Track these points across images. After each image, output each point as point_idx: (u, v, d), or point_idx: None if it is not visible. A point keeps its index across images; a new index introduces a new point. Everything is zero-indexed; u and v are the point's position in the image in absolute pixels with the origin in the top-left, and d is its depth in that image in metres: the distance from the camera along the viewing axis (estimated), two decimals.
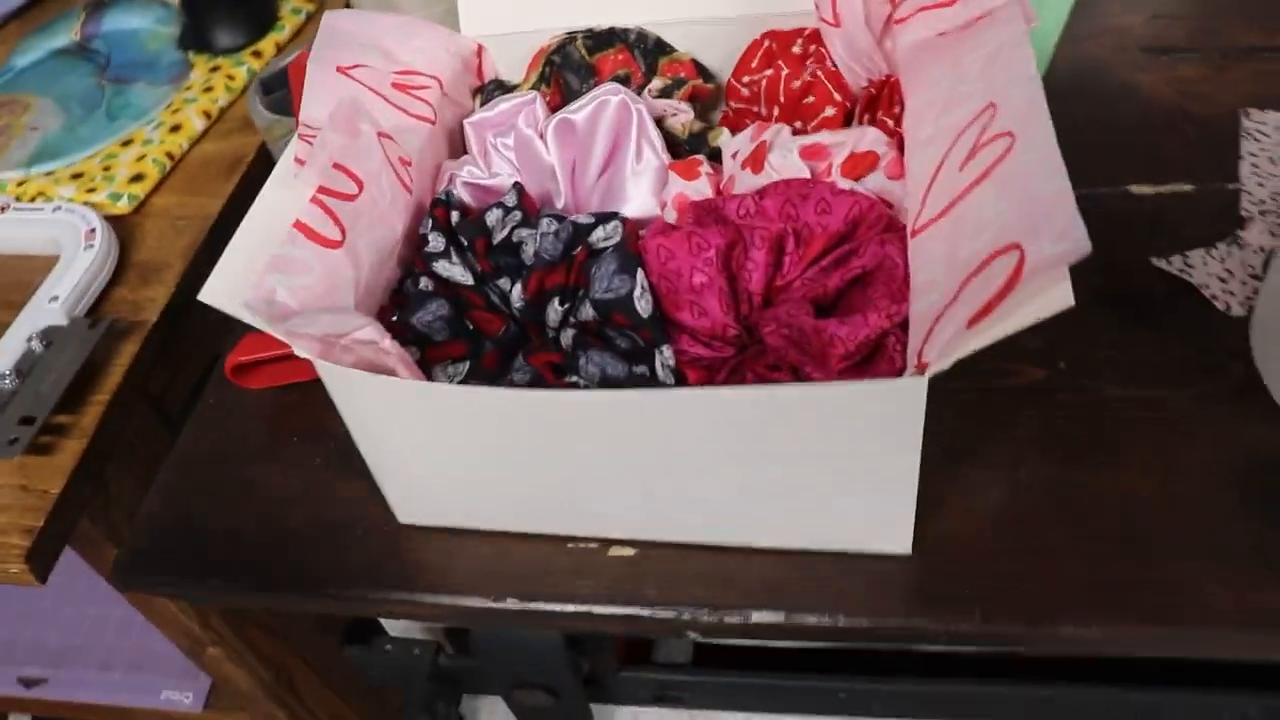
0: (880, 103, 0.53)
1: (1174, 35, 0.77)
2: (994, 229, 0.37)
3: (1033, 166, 0.37)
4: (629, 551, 0.52)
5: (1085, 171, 0.65)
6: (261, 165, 0.80)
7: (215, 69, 0.88)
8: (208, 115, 0.84)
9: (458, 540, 0.53)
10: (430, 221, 0.51)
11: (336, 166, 0.46)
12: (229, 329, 0.77)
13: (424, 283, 0.50)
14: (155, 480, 0.59)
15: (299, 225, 0.44)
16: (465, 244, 0.50)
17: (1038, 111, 0.39)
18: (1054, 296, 0.35)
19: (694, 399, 0.41)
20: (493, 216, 0.50)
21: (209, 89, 0.86)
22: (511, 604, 0.51)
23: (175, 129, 0.83)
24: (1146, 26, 0.77)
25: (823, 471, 0.45)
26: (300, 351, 0.43)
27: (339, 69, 0.55)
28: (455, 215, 0.51)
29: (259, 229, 0.48)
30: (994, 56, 0.44)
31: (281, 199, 0.49)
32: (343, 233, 0.46)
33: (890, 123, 0.51)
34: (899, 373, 0.42)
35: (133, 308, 0.71)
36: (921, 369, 0.38)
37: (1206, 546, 0.48)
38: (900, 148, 0.50)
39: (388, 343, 0.43)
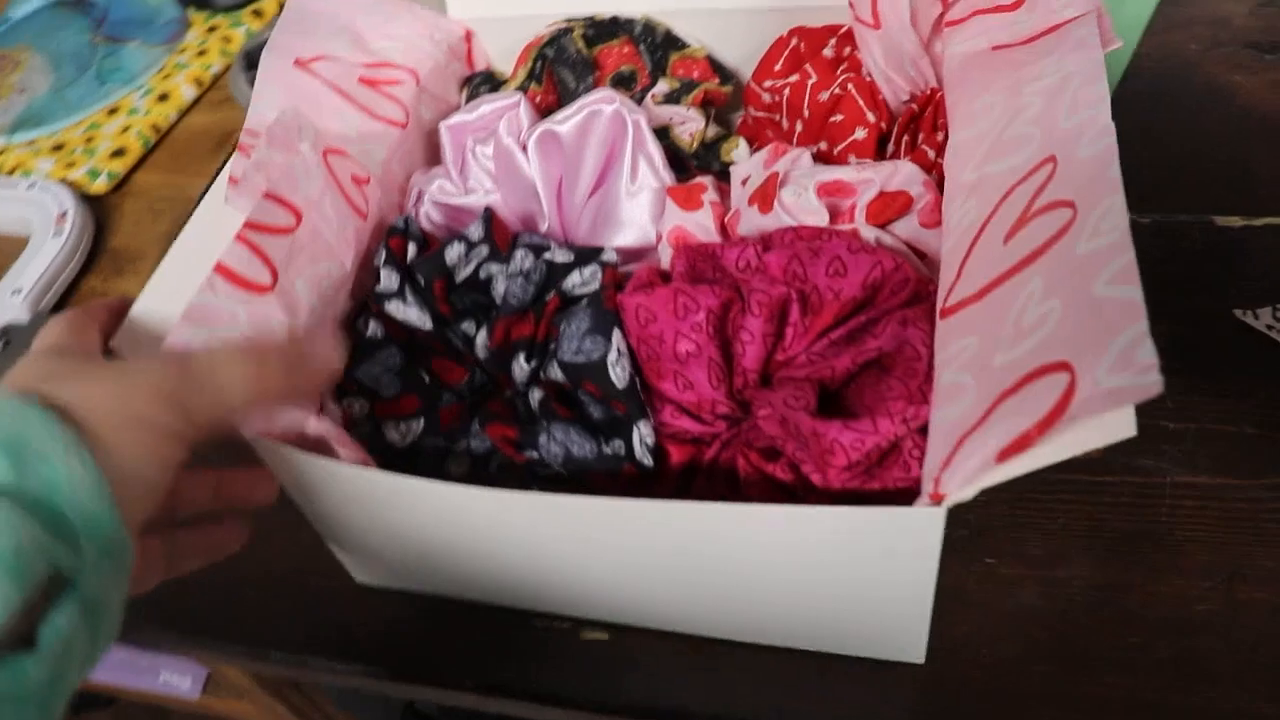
0: (923, 124, 0.45)
1: None
2: (1039, 335, 0.30)
3: (1096, 258, 0.29)
4: (603, 635, 0.45)
5: (1161, 194, 0.56)
6: None
7: (212, 29, 0.82)
8: (199, 83, 0.77)
9: (417, 607, 0.48)
10: (384, 253, 0.44)
11: (269, 196, 0.40)
12: None
13: (373, 328, 0.43)
14: None
15: (220, 269, 0.38)
16: (421, 281, 0.44)
17: (1108, 180, 0.31)
18: (1111, 426, 0.28)
19: (664, 511, 0.34)
20: (453, 253, 0.43)
21: (202, 52, 0.79)
22: (468, 687, 0.45)
23: (163, 98, 0.76)
24: (1251, 17, 0.66)
25: (824, 586, 0.38)
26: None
27: (297, 61, 0.48)
28: (413, 247, 0.44)
29: (184, 257, 0.42)
30: (1058, 91, 0.36)
31: (220, 221, 0.43)
32: (273, 274, 0.39)
33: (931, 154, 0.42)
34: (914, 483, 0.35)
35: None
36: (938, 499, 0.31)
37: (1275, 677, 0.40)
38: (939, 187, 0.42)
39: (313, 423, 0.36)
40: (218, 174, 0.70)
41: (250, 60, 0.68)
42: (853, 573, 0.37)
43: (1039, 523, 0.45)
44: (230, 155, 0.71)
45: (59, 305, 0.65)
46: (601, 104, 0.46)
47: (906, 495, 0.35)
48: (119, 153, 0.73)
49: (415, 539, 0.43)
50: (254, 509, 0.42)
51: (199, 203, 0.44)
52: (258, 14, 0.82)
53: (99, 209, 0.71)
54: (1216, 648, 0.41)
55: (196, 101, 0.78)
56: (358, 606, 0.48)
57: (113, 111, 0.77)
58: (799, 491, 0.37)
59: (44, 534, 0.27)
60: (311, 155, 0.41)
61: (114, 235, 0.70)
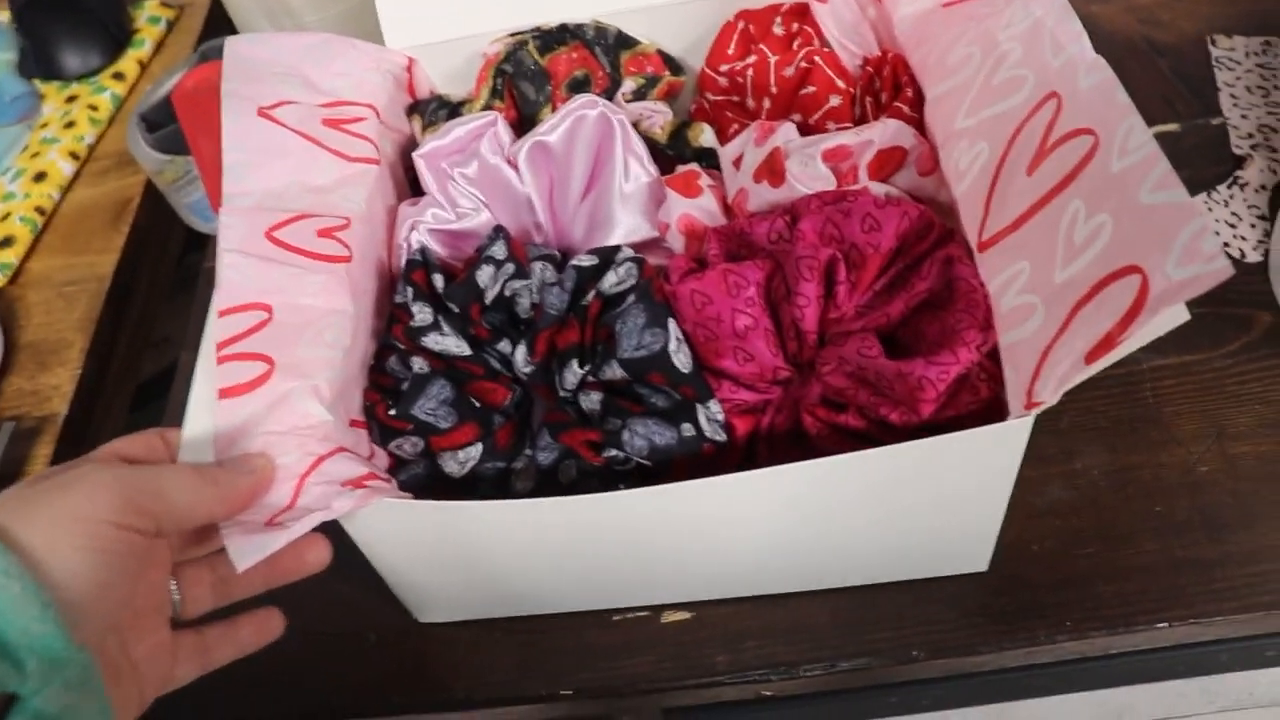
0: (884, 84, 0.48)
1: None
2: (1098, 247, 0.33)
3: (1133, 173, 0.33)
4: (684, 615, 0.47)
5: None
6: (150, 209, 0.70)
7: (72, 99, 0.77)
8: (75, 156, 0.73)
9: (489, 633, 0.48)
10: (410, 289, 0.44)
11: (225, 314, 0.40)
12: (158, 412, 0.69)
13: (418, 364, 0.43)
14: None
15: (225, 392, 0.38)
16: (455, 309, 0.44)
17: (1120, 104, 0.35)
18: (1171, 313, 0.31)
19: (783, 475, 0.36)
20: (485, 275, 0.44)
21: (70, 124, 0.74)
22: (566, 693, 0.46)
23: (40, 177, 0.71)
24: None
25: (908, 514, 0.41)
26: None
27: (260, 110, 0.47)
28: (439, 278, 0.44)
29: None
30: (1035, 34, 0.40)
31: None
32: (268, 361, 0.39)
33: (905, 109, 0.46)
34: (983, 403, 0.38)
35: (35, 400, 0.61)
36: (1032, 407, 0.34)
37: (1274, 509, 0.46)
38: (923, 136, 0.45)
39: (377, 498, 0.37)
40: (128, 247, 0.67)
41: (149, 122, 0.64)
42: (938, 496, 0.40)
43: (1047, 425, 0.50)
44: (134, 225, 0.69)
45: None
46: (585, 109, 0.47)
47: (978, 417, 0.38)
48: (7, 242, 0.68)
49: (496, 564, 0.43)
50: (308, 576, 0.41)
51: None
52: (118, 77, 0.78)
53: (1, 305, 0.66)
54: (1225, 499, 0.46)
55: (77, 175, 0.73)
56: (431, 644, 0.48)
57: None
58: (874, 434, 0.40)
59: None
60: (263, 248, 0.42)
61: (25, 330, 0.65)
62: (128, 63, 0.78)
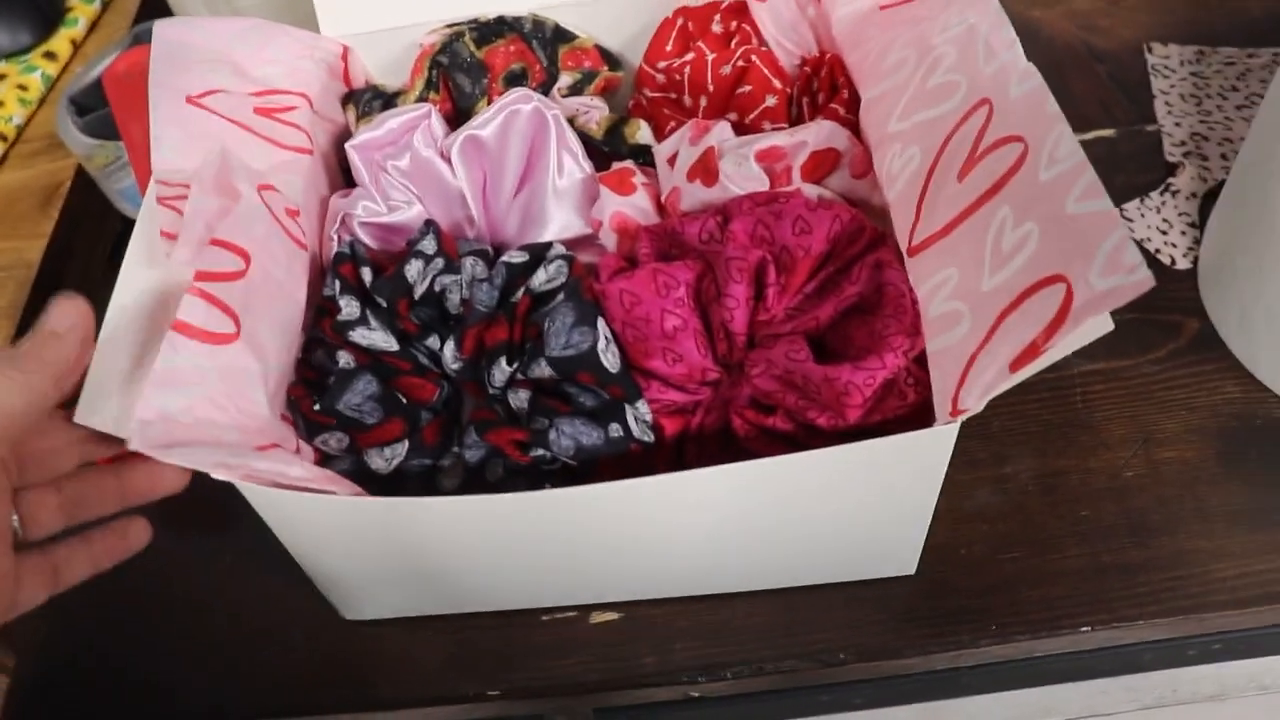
0: (821, 85, 0.48)
1: None
2: (1024, 255, 0.33)
3: (1060, 182, 0.33)
4: (613, 616, 0.47)
5: None
6: (82, 193, 0.68)
7: (1, 78, 0.74)
8: (3, 138, 0.71)
9: (417, 631, 0.47)
10: (338, 282, 0.43)
11: (216, 242, 0.38)
12: None
13: (344, 358, 0.42)
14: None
15: (179, 326, 0.36)
16: (383, 304, 0.43)
17: (1049, 113, 0.35)
18: (1091, 325, 0.32)
19: (708, 478, 0.36)
20: (413, 269, 0.43)
21: None
22: (494, 693, 0.45)
23: None
24: None
25: (836, 518, 0.41)
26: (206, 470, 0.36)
27: (189, 99, 0.45)
28: (367, 272, 0.43)
29: (129, 323, 0.39)
30: (968, 40, 0.40)
31: (149, 281, 0.40)
32: (235, 322, 0.38)
33: (841, 110, 0.46)
34: (911, 408, 0.38)
35: None
36: (958, 414, 0.34)
37: (1196, 514, 0.47)
38: (858, 138, 0.45)
39: (296, 471, 0.36)
40: (58, 232, 0.65)
41: (79, 106, 0.62)
42: (865, 500, 0.40)
43: (977, 430, 0.50)
44: (64, 209, 0.67)
45: None
46: (520, 103, 0.47)
47: (906, 421, 0.38)
48: None
49: (423, 562, 0.43)
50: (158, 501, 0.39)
51: (122, 263, 0.41)
52: (50, 56, 0.76)
53: None
54: (1150, 504, 0.47)
55: (5, 158, 0.71)
56: (358, 642, 0.47)
57: None
58: (801, 438, 0.40)
59: None
60: (252, 195, 0.40)
61: None
62: (60, 41, 0.76)
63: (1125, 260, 0.31)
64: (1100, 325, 0.32)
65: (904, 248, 0.39)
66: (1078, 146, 0.33)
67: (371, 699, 0.46)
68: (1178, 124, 0.61)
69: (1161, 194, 0.57)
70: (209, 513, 0.52)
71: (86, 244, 0.69)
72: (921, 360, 0.38)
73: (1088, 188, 0.32)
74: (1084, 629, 0.44)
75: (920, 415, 0.38)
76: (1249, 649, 0.49)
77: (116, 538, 0.38)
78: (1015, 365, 0.32)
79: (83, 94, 0.63)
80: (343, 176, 0.52)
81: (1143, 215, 0.57)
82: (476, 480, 0.43)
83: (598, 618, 0.47)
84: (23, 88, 0.73)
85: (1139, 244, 0.56)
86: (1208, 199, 0.57)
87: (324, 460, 0.43)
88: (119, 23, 0.78)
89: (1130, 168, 0.60)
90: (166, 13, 0.73)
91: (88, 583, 0.40)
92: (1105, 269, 0.31)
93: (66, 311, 0.35)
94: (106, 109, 0.61)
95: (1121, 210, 0.57)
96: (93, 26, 0.78)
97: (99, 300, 0.38)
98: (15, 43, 0.76)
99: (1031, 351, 0.32)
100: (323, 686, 0.47)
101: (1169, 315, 0.53)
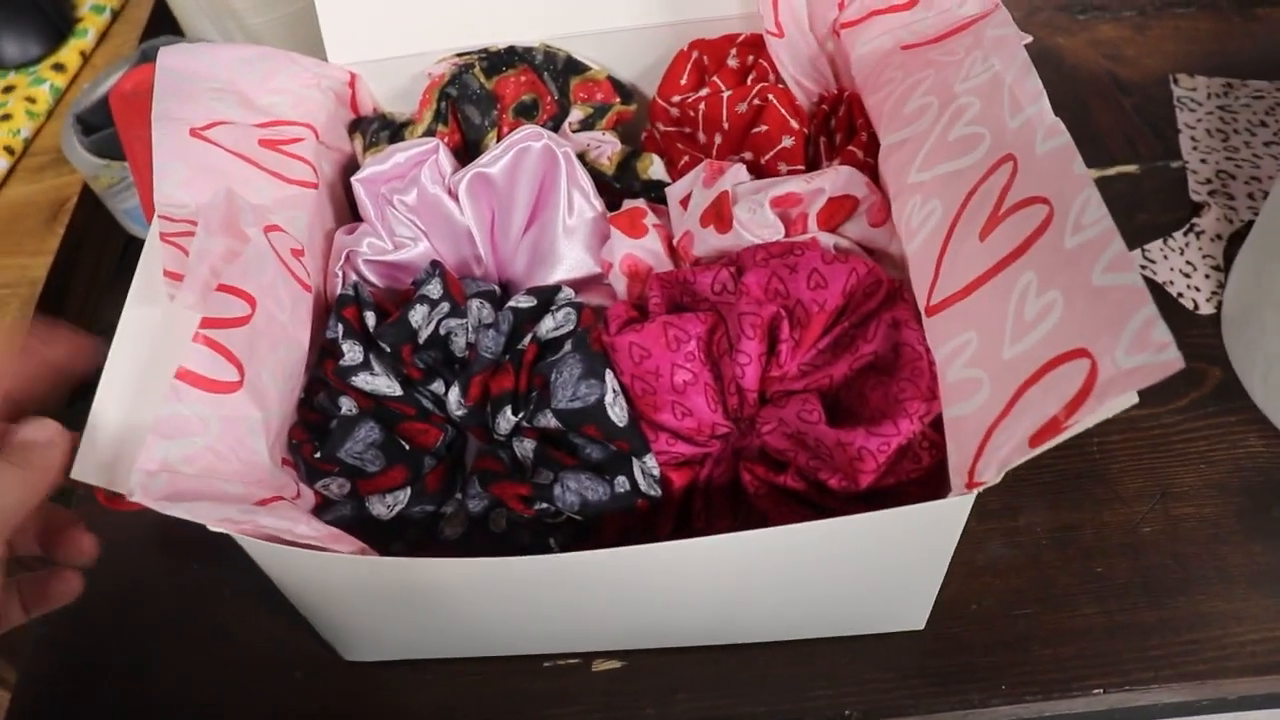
0: (839, 124, 0.47)
1: None
2: (1048, 325, 0.32)
3: (1087, 250, 0.32)
4: (616, 664, 0.46)
5: None
6: (88, 210, 0.68)
7: (8, 89, 0.74)
8: (9, 151, 0.70)
9: (416, 674, 0.46)
10: (341, 326, 0.42)
11: (223, 288, 0.37)
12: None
13: (346, 405, 0.41)
14: (34, 635, 0.49)
15: (184, 375, 0.35)
16: (387, 349, 0.42)
17: (1076, 175, 0.34)
18: (1119, 401, 0.31)
19: (716, 546, 0.35)
20: (417, 315, 0.42)
21: (6, 117, 0.72)
22: None
23: None
24: None
25: (845, 580, 0.40)
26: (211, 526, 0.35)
27: (193, 131, 0.45)
28: (370, 316, 0.43)
29: (130, 364, 0.38)
30: (993, 91, 0.38)
31: (151, 320, 0.40)
32: (239, 370, 0.37)
33: (859, 153, 0.45)
34: (925, 471, 0.37)
35: None
36: (974, 486, 0.33)
37: (1215, 573, 0.45)
38: (877, 183, 0.44)
39: (302, 529, 0.35)
40: (63, 249, 0.65)
41: (85, 124, 0.62)
42: (876, 565, 0.39)
43: None
44: (70, 226, 0.66)
45: None
46: (529, 140, 0.46)
47: (919, 484, 0.37)
48: None
49: (425, 614, 0.42)
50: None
51: (126, 300, 0.40)
52: (59, 68, 0.75)
53: None
54: (1166, 562, 0.46)
55: (11, 171, 0.70)
56: (357, 684, 0.46)
57: None
58: (813, 497, 0.39)
59: None
60: (260, 238, 0.39)
61: None
62: (69, 53, 0.76)
63: (1154, 339, 0.29)
64: (1124, 401, 0.31)
65: (922, 306, 0.38)
66: (1105, 212, 0.32)
67: None
68: (1203, 160, 0.59)
69: (1185, 234, 0.56)
70: (210, 543, 0.51)
71: (92, 261, 0.69)
72: (937, 423, 0.37)
73: (1115, 258, 0.31)
74: (1096, 691, 0.43)
75: (935, 478, 0.37)
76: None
77: (56, 583, 0.39)
78: (1035, 441, 0.31)
79: (89, 111, 0.63)
80: (349, 208, 0.51)
81: (1165, 257, 0.55)
82: (479, 529, 0.42)
83: (600, 666, 0.46)
84: (31, 100, 0.73)
85: (1161, 287, 0.54)
86: (1233, 241, 0.56)
87: (325, 504, 0.42)
88: (128, 34, 0.78)
89: (1153, 206, 0.58)
90: (175, 26, 0.72)
91: (79, 612, 0.41)
92: (1132, 346, 0.30)
93: (43, 425, 0.36)
94: (113, 128, 0.60)
95: (1144, 251, 0.56)
96: (102, 37, 0.77)
97: (102, 321, 0.37)
98: (24, 55, 0.75)
99: (1052, 427, 0.31)
100: None
101: (1191, 363, 0.51)
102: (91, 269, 0.68)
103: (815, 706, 0.44)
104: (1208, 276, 0.54)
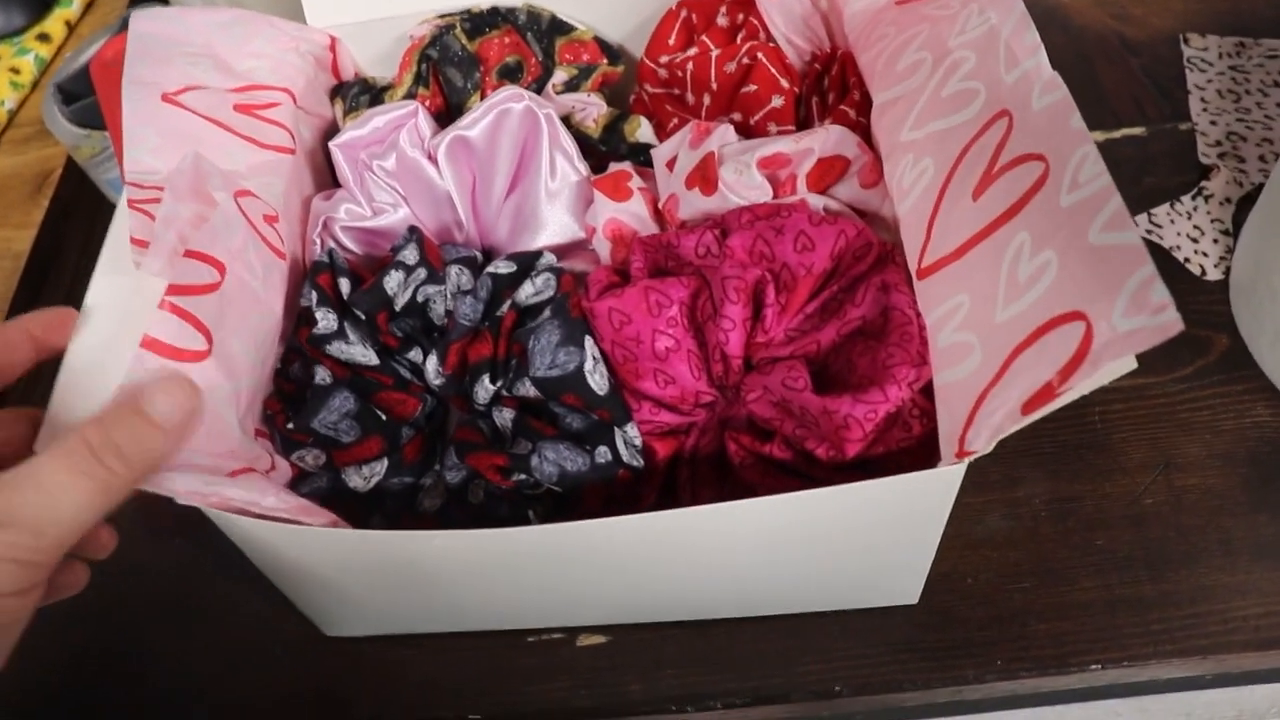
0: (832, 84, 0.45)
1: None
2: (1042, 287, 0.31)
3: (1083, 208, 0.31)
4: (601, 639, 0.45)
5: None
6: (75, 182, 0.67)
7: None
8: None
9: (399, 649, 0.45)
10: (315, 294, 0.41)
11: (190, 254, 0.36)
12: None
13: (320, 374, 0.40)
14: None
15: (148, 343, 0.34)
16: (362, 316, 0.41)
17: (1073, 130, 0.32)
18: (1115, 365, 0.29)
19: (702, 516, 0.34)
20: (393, 281, 0.41)
21: None
22: (476, 716, 0.44)
23: None
24: None
25: (836, 551, 0.39)
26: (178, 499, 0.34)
27: (165, 96, 0.43)
28: (345, 282, 0.41)
29: (97, 335, 0.37)
30: (988, 45, 0.37)
31: (119, 290, 0.38)
32: (208, 338, 0.36)
33: (852, 113, 0.43)
34: (916, 440, 0.36)
35: None
36: (964, 455, 0.32)
37: (1219, 546, 0.44)
38: (869, 143, 0.42)
39: (270, 501, 0.34)
40: (48, 222, 0.64)
41: (66, 94, 0.60)
42: (866, 537, 0.38)
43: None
44: (54, 198, 0.65)
45: None
46: (510, 102, 0.44)
47: (910, 454, 0.36)
48: None
49: (403, 587, 0.41)
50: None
51: (94, 270, 0.39)
52: (44, 38, 0.74)
53: None
54: (1169, 535, 0.44)
55: None
56: (337, 660, 0.46)
57: None
58: (800, 467, 0.37)
59: None
60: (229, 203, 0.38)
61: None
62: (54, 23, 0.74)
63: (1152, 300, 0.28)
64: (1122, 365, 0.29)
65: (913, 269, 0.37)
66: (1104, 169, 0.31)
67: (351, 718, 0.45)
68: (1213, 122, 0.57)
69: (1194, 198, 0.54)
70: (188, 517, 0.51)
71: (78, 234, 0.68)
72: (928, 390, 0.35)
73: (1113, 216, 0.30)
74: (1094, 667, 0.42)
75: (925, 447, 0.36)
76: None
77: (65, 576, 0.36)
78: (1028, 408, 0.30)
79: (71, 81, 0.61)
80: (329, 174, 0.50)
81: (1172, 221, 0.53)
82: (457, 501, 0.41)
83: (585, 640, 0.45)
84: (15, 70, 0.72)
85: (1167, 252, 0.53)
86: (1243, 204, 0.54)
87: (301, 476, 0.41)
88: (114, 2, 0.76)
89: (1161, 169, 0.56)
90: None
91: None
92: (1129, 308, 0.28)
93: (177, 391, 0.32)
94: (94, 97, 0.59)
95: (1150, 215, 0.54)
96: (88, 7, 0.76)
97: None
98: (8, 24, 0.74)
99: (1046, 393, 0.30)
100: (302, 704, 0.45)
101: (1197, 330, 0.50)
102: (80, 242, 0.67)
103: (805, 682, 0.43)
104: (1216, 241, 0.53)
